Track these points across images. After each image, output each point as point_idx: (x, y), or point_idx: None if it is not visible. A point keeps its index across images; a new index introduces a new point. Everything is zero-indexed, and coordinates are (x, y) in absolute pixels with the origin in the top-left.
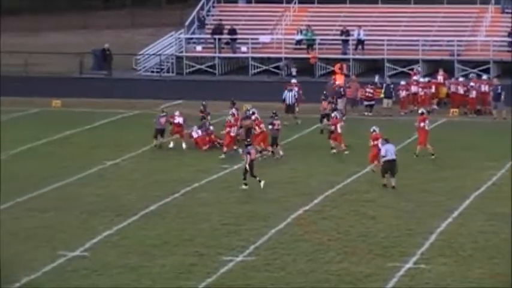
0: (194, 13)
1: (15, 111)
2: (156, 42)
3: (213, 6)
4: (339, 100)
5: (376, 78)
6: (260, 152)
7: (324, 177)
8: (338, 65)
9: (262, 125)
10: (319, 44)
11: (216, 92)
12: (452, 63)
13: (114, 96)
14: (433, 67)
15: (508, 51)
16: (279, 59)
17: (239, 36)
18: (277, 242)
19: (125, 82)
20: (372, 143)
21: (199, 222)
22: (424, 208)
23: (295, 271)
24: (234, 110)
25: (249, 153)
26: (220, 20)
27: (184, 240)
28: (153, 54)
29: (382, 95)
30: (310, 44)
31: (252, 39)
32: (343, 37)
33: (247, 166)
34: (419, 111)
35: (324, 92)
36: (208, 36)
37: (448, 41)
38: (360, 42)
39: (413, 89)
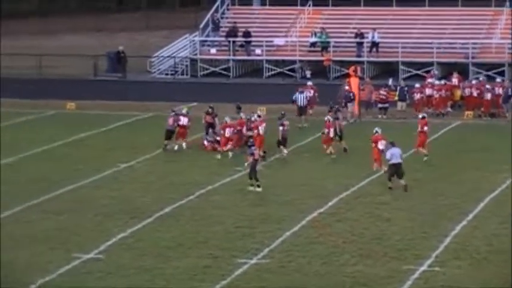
0: (208, 15)
1: (31, 114)
2: (171, 45)
3: (228, 9)
4: (348, 104)
5: (390, 82)
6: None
7: (338, 179)
8: (352, 68)
9: (261, 128)
10: (334, 46)
11: (230, 94)
12: (466, 66)
13: (129, 99)
14: (447, 70)
15: None
16: (293, 62)
17: (253, 38)
18: (292, 245)
19: (139, 84)
20: (373, 145)
21: (214, 224)
22: (439, 211)
23: (310, 273)
24: (241, 114)
25: (252, 154)
26: (235, 22)
27: (198, 242)
28: (168, 56)
29: (396, 98)
30: (324, 47)
31: (266, 41)
32: (358, 39)
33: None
34: (420, 116)
35: (330, 103)
36: (223, 38)
37: (463, 43)
38: (375, 44)
39: (428, 91)
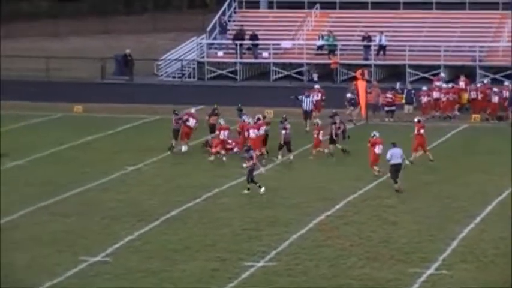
0: (216, 18)
1: (37, 117)
2: (178, 48)
3: (235, 12)
4: (350, 108)
5: (398, 85)
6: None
7: (345, 182)
8: (359, 71)
9: (252, 130)
10: (341, 49)
11: (238, 97)
12: (474, 69)
13: (136, 102)
14: (454, 73)
15: None
16: (300, 65)
17: (261, 41)
18: (299, 248)
19: (146, 87)
20: (370, 148)
21: (221, 227)
22: (446, 214)
23: (317, 276)
24: (244, 117)
25: (251, 157)
26: (242, 25)
27: (205, 245)
28: (175, 59)
29: (403, 101)
30: (331, 50)
31: (273, 44)
32: (365, 43)
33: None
34: (416, 120)
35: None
36: (230, 41)
37: (470, 46)
38: (382, 47)
39: (436, 94)
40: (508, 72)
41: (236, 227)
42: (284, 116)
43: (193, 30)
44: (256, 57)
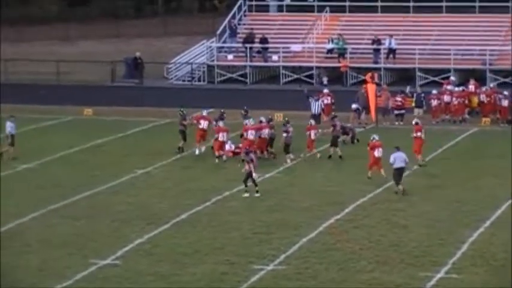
0: (226, 22)
1: (48, 120)
2: (188, 51)
3: (245, 15)
4: (352, 113)
5: (408, 89)
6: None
7: (355, 186)
8: (369, 74)
9: (250, 132)
10: (351, 53)
11: (247, 101)
12: (484, 73)
13: (146, 105)
14: (464, 76)
15: None
16: (310, 68)
17: (270, 45)
18: (309, 251)
19: (156, 91)
20: (370, 151)
21: (230, 230)
22: (456, 217)
23: (326, 280)
24: (247, 120)
25: (252, 160)
26: (252, 28)
27: (215, 248)
28: (185, 62)
29: (413, 104)
30: (341, 53)
31: (283, 48)
32: (375, 46)
33: (252, 171)
34: (414, 122)
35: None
36: (240, 45)
37: (480, 50)
38: (392, 51)
39: (446, 98)
40: None
41: (245, 231)
42: (286, 119)
43: (203, 33)
44: (266, 61)
